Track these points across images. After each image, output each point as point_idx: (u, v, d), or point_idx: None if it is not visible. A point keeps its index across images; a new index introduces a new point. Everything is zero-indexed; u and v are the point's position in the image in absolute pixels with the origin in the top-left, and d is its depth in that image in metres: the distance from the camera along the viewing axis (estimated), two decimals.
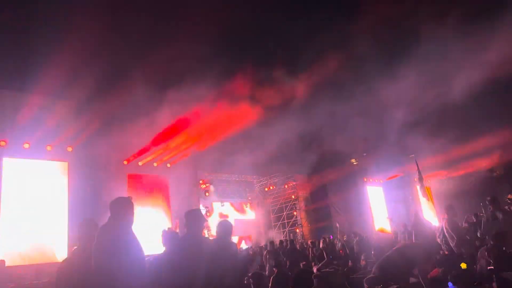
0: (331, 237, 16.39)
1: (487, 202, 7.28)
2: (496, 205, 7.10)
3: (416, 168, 14.88)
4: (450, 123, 16.45)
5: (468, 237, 7.63)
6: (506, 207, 9.93)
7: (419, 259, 5.15)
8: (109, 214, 3.70)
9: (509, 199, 14.25)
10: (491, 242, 5.85)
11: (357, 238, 12.81)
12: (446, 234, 7.18)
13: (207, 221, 4.19)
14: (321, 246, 12.26)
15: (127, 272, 3.16)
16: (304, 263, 7.68)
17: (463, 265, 6.20)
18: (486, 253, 5.68)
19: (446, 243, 7.29)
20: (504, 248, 5.69)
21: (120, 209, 3.64)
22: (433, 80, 14.10)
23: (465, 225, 11.02)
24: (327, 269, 5.56)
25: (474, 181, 21.12)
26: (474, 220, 11.12)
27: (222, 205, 21.25)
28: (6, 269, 10.44)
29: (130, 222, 3.60)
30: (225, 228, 4.29)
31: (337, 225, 21.27)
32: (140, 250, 3.41)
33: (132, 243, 3.38)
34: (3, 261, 9.65)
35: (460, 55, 12.44)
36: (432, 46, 12.90)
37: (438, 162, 20.53)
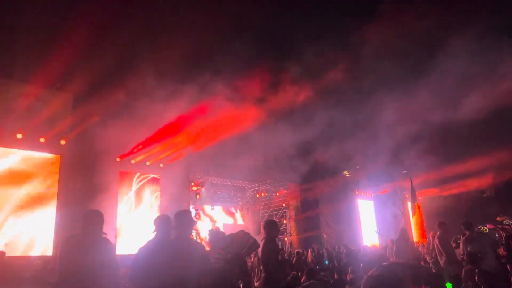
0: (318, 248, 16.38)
1: (462, 227, 7.33)
2: (471, 228, 7.17)
3: (410, 184, 14.98)
4: (445, 142, 16.58)
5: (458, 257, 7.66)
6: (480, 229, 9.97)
7: (406, 281, 5.15)
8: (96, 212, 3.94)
9: (498, 221, 14.35)
10: (468, 264, 5.90)
11: (345, 251, 12.81)
12: (436, 250, 7.20)
13: (196, 223, 4.16)
14: (309, 256, 12.22)
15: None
16: (294, 272, 7.64)
17: (449, 285, 6.20)
18: (470, 274, 5.71)
19: (436, 261, 7.31)
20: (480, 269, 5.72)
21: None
22: (434, 99, 14.24)
23: (453, 244, 11.04)
24: (309, 281, 5.55)
25: (464, 201, 21.24)
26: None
27: (212, 209, 21.15)
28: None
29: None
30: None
31: (325, 236, 21.30)
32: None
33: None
34: (3, 252, 9.38)
35: (465, 78, 12.57)
36: (437, 67, 13.04)
37: (430, 180, 20.65)
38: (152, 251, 3.71)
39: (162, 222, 3.99)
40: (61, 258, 3.72)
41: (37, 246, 12.16)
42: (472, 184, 20.71)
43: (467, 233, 7.10)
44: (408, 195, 17.23)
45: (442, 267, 7.00)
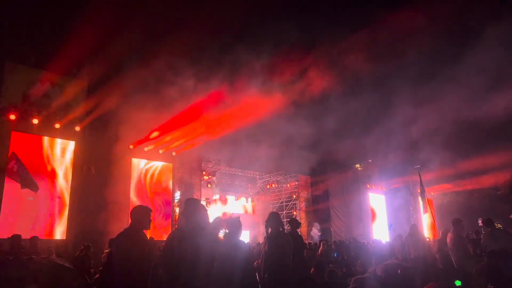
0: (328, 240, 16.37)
1: (482, 223, 7.23)
2: (492, 225, 7.08)
3: (419, 180, 14.84)
4: (461, 137, 16.29)
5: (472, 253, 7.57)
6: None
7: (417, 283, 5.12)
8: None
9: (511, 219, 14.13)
10: (485, 260, 5.82)
11: (355, 244, 12.79)
12: (450, 247, 7.13)
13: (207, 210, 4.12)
14: (320, 249, 12.22)
15: None
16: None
17: (457, 282, 6.14)
18: (482, 271, 5.64)
19: (445, 257, 7.23)
20: (499, 267, 5.63)
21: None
22: (452, 93, 13.97)
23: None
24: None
25: (477, 198, 20.97)
26: (475, 237, 11.01)
27: (224, 199, 21.30)
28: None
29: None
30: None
31: (331, 229, 21.33)
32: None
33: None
34: (19, 235, 9.52)
35: (488, 72, 12.31)
36: (458, 60, 12.78)
37: (444, 175, 20.40)
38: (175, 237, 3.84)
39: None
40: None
41: (49, 231, 12.40)
42: (487, 181, 20.39)
43: (488, 230, 7.00)
44: (419, 189, 17.05)
45: (455, 264, 6.93)
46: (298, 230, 7.45)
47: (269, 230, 5.20)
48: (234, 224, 4.49)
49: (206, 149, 17.23)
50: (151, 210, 4.00)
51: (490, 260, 5.69)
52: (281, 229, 5.31)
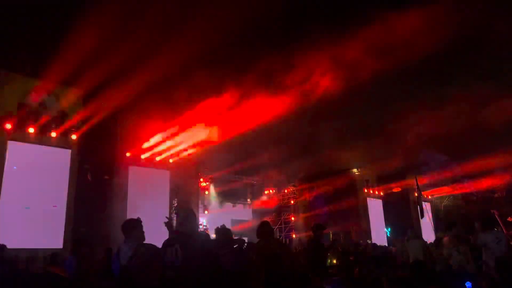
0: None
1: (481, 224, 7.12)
2: (491, 227, 7.05)
3: (420, 183, 14.86)
4: (457, 141, 16.31)
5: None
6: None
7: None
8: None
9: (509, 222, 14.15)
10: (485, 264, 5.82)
11: (354, 249, 12.78)
12: (445, 250, 7.17)
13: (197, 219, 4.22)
14: None
15: None
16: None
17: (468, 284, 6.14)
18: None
19: (442, 260, 7.28)
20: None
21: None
22: (447, 101, 13.98)
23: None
24: None
25: (475, 201, 21.03)
26: (472, 241, 10.99)
27: (221, 205, 21.21)
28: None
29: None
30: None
31: (330, 233, 21.28)
32: None
33: None
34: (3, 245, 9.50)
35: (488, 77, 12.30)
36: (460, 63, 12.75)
37: (441, 179, 20.45)
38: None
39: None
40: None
41: (45, 240, 12.30)
42: (484, 184, 20.46)
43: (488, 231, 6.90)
44: (416, 193, 17.06)
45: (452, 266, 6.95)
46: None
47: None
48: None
49: (203, 156, 17.21)
50: (141, 221, 4.00)
51: (500, 267, 5.65)
52: (268, 237, 5.39)
